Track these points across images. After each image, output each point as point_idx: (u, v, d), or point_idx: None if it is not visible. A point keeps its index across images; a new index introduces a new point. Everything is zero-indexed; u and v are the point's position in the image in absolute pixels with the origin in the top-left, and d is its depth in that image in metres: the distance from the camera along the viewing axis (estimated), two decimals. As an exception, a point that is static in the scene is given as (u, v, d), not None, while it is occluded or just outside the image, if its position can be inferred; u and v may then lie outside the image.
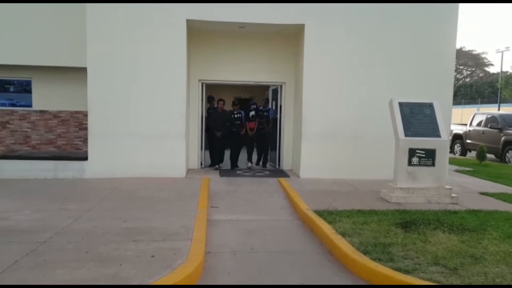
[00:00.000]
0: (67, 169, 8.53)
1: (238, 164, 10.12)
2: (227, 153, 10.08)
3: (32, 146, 10.38)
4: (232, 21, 8.62)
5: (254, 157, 10.60)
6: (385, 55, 8.89)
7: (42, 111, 10.37)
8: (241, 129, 9.83)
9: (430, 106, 7.38)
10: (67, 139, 10.53)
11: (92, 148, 8.58)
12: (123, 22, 8.45)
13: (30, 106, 10.39)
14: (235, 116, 9.81)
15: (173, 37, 8.52)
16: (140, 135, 8.55)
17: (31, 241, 4.42)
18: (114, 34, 8.46)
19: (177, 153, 8.67)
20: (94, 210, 5.94)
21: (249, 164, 10.12)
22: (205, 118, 9.95)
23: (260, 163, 10.46)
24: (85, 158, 8.62)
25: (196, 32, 9.30)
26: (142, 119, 8.57)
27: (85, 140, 10.30)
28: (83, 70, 9.19)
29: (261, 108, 10.23)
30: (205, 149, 10.23)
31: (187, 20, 8.52)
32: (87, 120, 10.01)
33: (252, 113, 10.05)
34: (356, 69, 8.85)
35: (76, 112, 10.42)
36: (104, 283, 3.39)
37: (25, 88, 10.52)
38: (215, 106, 9.93)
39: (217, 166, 9.76)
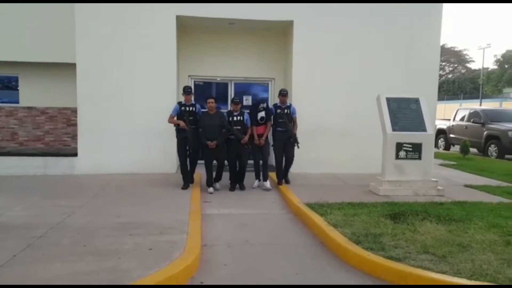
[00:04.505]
0: (57, 166, 8.48)
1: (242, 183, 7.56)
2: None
3: (20, 143, 10.32)
4: (222, 17, 8.67)
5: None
6: (372, 52, 9.05)
7: (29, 108, 10.31)
8: (242, 136, 7.17)
9: (416, 101, 7.55)
10: (55, 135, 10.50)
11: (82, 145, 8.54)
12: (112, 18, 8.42)
13: (17, 102, 10.27)
14: (235, 119, 7.24)
15: (163, 33, 8.53)
16: (131, 131, 8.54)
17: (27, 236, 4.43)
18: (103, 30, 8.43)
19: (168, 150, 8.66)
20: (87, 206, 5.95)
21: (257, 183, 7.70)
22: (177, 116, 7.26)
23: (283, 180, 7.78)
24: (75, 154, 8.58)
25: (186, 28, 9.32)
26: (132, 115, 8.56)
27: (73, 137, 10.29)
28: (70, 66, 9.15)
29: (278, 104, 7.62)
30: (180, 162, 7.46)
31: (177, 16, 8.54)
32: (75, 117, 9.99)
33: (262, 114, 7.42)
34: (345, 65, 9.00)
35: (64, 109, 10.39)
36: (104, 275, 3.45)
37: (11, 84, 10.41)
38: (194, 102, 7.45)
39: (211, 189, 7.23)
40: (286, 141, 7.48)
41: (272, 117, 7.53)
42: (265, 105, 7.54)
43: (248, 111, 7.65)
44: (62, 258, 3.82)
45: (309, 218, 5.45)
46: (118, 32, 8.46)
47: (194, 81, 9.97)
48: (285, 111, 7.51)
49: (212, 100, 7.17)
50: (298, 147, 7.48)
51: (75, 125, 9.98)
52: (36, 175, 8.31)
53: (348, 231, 4.77)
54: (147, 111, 8.55)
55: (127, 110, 8.56)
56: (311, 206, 5.97)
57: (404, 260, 3.89)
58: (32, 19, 9.52)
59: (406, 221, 5.20)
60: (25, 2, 9.38)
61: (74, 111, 10.05)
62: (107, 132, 8.52)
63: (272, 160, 8.12)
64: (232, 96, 9.91)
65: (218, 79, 10.07)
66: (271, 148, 7.71)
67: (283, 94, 7.52)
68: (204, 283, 3.64)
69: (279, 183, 7.67)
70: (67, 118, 10.48)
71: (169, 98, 8.62)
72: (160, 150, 8.65)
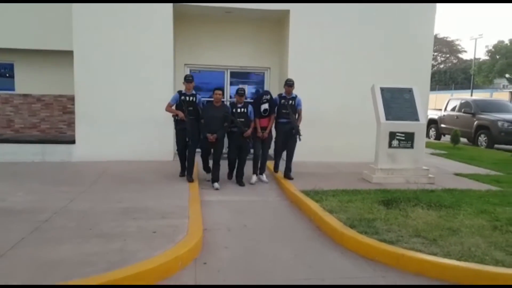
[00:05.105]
0: (55, 153, 8.56)
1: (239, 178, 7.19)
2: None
3: (16, 130, 10.34)
4: (218, 6, 8.73)
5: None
6: (367, 43, 9.20)
7: (25, 95, 10.31)
8: (245, 129, 6.84)
9: (410, 91, 7.72)
10: (51, 123, 10.53)
11: (80, 132, 8.61)
12: (109, 7, 8.43)
13: (13, 90, 10.28)
14: (239, 110, 6.88)
15: (160, 22, 8.58)
16: (128, 119, 8.62)
17: (33, 220, 4.55)
18: (100, 18, 8.45)
19: (165, 137, 8.78)
20: (87, 192, 6.07)
21: (254, 179, 7.29)
22: (176, 105, 7.01)
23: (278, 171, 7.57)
24: (72, 141, 8.66)
25: (183, 17, 9.37)
26: (130, 103, 8.64)
27: (69, 124, 10.34)
28: (66, 54, 9.19)
29: (283, 95, 7.26)
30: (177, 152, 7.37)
31: (174, 5, 8.59)
32: (71, 104, 10.06)
33: (265, 106, 7.10)
34: (340, 55, 9.13)
35: (60, 96, 10.41)
36: (112, 256, 3.59)
37: (7, 71, 10.41)
38: (194, 92, 7.07)
39: (209, 175, 7.15)
40: (288, 133, 7.15)
41: (275, 108, 7.20)
42: (268, 96, 7.17)
43: (252, 100, 7.41)
44: (70, 240, 3.97)
45: (305, 204, 5.64)
46: (115, 21, 8.49)
47: (190, 70, 10.03)
48: (290, 102, 7.15)
49: (220, 92, 6.80)
50: (299, 139, 7.07)
51: (71, 112, 10.07)
52: (34, 162, 8.39)
53: (343, 216, 4.96)
54: (144, 99, 8.63)
55: (123, 98, 8.64)
56: (306, 193, 6.15)
57: (397, 243, 4.10)
58: (28, 6, 9.48)
59: (399, 207, 5.42)
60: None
61: (70, 98, 10.10)
62: (104, 120, 8.60)
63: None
64: (228, 84, 10.05)
65: (214, 67, 10.15)
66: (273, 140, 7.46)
67: (289, 84, 7.16)
68: (208, 263, 3.81)
69: (275, 170, 7.58)
70: (63, 106, 10.50)
71: (165, 86, 8.71)
72: (157, 138, 8.75)
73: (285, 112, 7.11)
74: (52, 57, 10.03)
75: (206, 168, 7.29)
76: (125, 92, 8.62)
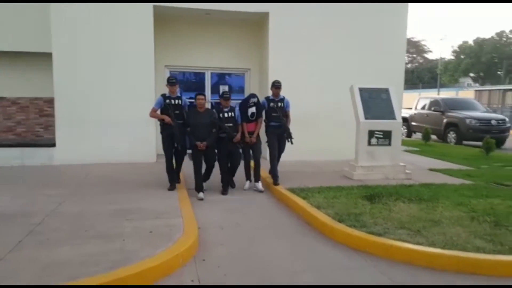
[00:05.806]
0: (35, 156, 8.43)
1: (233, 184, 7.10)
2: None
3: (-10, 134, 10.08)
4: (198, 8, 8.81)
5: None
6: (345, 45, 9.50)
7: (-1, 98, 10.08)
8: (235, 135, 6.53)
9: (387, 91, 8.06)
10: (27, 126, 10.31)
11: (60, 135, 8.52)
12: (89, 7, 8.39)
13: (-14, 93, 10.03)
14: (226, 115, 6.53)
15: (141, 23, 8.61)
16: (109, 121, 8.60)
17: (26, 224, 4.54)
18: (79, 19, 8.40)
19: (147, 139, 8.80)
20: (75, 194, 6.05)
21: (248, 185, 7.07)
22: (161, 110, 6.57)
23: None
24: (52, 144, 8.55)
25: (163, 18, 9.39)
26: (110, 105, 8.62)
27: (46, 127, 10.18)
28: (42, 55, 9.07)
29: (271, 97, 7.01)
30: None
31: (154, 6, 8.62)
32: (48, 107, 9.93)
33: (252, 110, 6.82)
34: (319, 56, 9.39)
35: (36, 99, 10.21)
36: (113, 256, 3.66)
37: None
38: (179, 94, 6.64)
39: (201, 194, 6.39)
40: (280, 136, 7.02)
41: (264, 111, 7.00)
42: (255, 100, 6.90)
43: (238, 107, 7.05)
44: (67, 242, 4.00)
45: (293, 201, 5.82)
46: (95, 22, 8.46)
47: (170, 71, 10.07)
48: (279, 104, 6.93)
49: (202, 96, 6.38)
50: (292, 142, 6.97)
51: (48, 115, 9.95)
52: (13, 166, 8.23)
53: (331, 211, 5.17)
54: (125, 101, 8.63)
55: (105, 100, 8.60)
56: (292, 190, 6.34)
57: (385, 235, 4.33)
58: (2, 7, 9.28)
59: (381, 202, 5.68)
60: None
61: (46, 101, 9.97)
62: (85, 122, 8.54)
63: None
64: (209, 85, 10.14)
65: (195, 68, 10.22)
66: (265, 145, 7.24)
67: (277, 86, 6.90)
68: (206, 260, 3.93)
69: (275, 183, 6.92)
70: (39, 109, 10.30)
71: (146, 87, 8.74)
72: (139, 140, 8.76)
73: (276, 116, 6.90)
74: (27, 59, 9.82)
75: (199, 186, 6.49)
76: (106, 93, 8.59)
